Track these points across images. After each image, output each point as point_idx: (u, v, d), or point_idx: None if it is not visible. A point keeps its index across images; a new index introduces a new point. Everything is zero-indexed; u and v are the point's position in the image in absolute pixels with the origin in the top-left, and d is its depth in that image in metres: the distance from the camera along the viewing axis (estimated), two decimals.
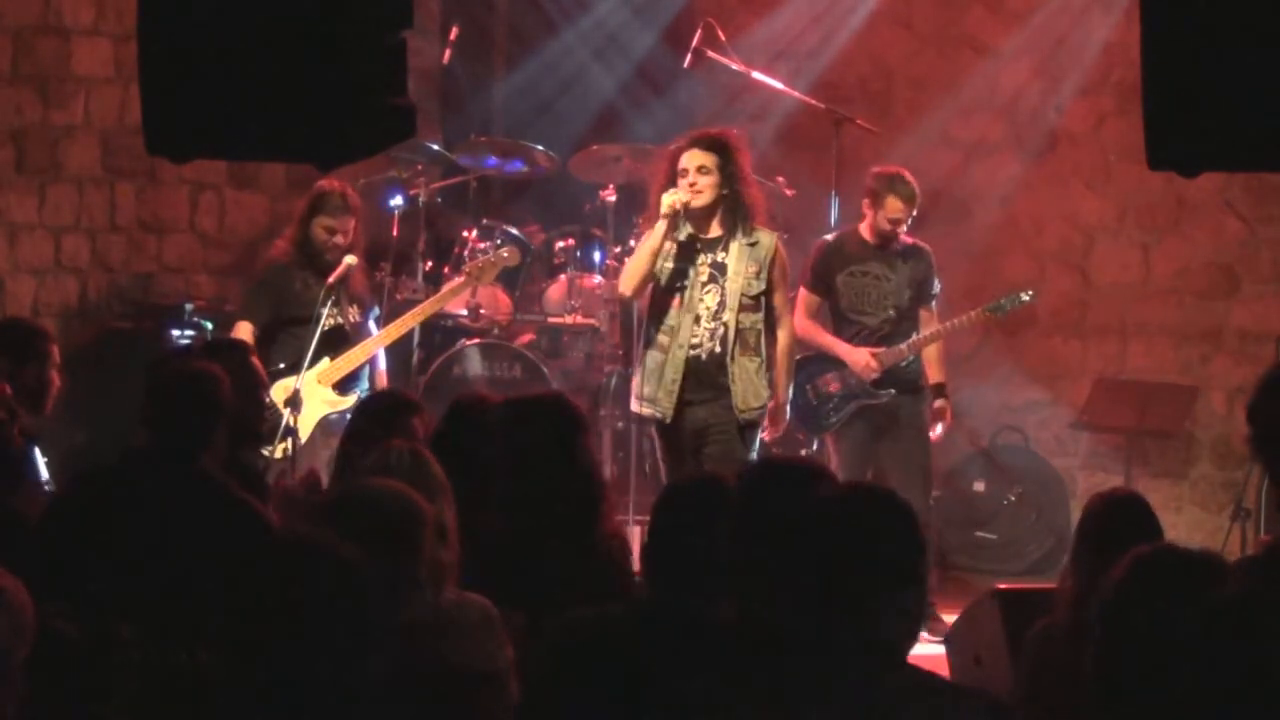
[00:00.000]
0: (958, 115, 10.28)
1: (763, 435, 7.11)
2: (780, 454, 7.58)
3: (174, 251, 9.42)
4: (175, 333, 8.56)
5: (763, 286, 6.98)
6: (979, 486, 9.67)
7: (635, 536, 8.18)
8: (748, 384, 6.95)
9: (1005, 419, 9.92)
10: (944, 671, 6.70)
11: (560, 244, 9.48)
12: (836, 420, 7.88)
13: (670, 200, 6.88)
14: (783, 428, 7.19)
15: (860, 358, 7.82)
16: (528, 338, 9.41)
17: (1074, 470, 10.03)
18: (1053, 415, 10.08)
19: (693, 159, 6.95)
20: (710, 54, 8.94)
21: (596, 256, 9.40)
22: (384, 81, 3.92)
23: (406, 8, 3.94)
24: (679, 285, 6.98)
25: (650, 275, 6.98)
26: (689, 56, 9.06)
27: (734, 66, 8.90)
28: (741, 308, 6.95)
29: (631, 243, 9.16)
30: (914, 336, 7.91)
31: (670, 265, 6.99)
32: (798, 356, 7.81)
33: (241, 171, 9.63)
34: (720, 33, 8.92)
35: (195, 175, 9.31)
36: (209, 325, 8.55)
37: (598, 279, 9.26)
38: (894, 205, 7.78)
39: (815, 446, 8.01)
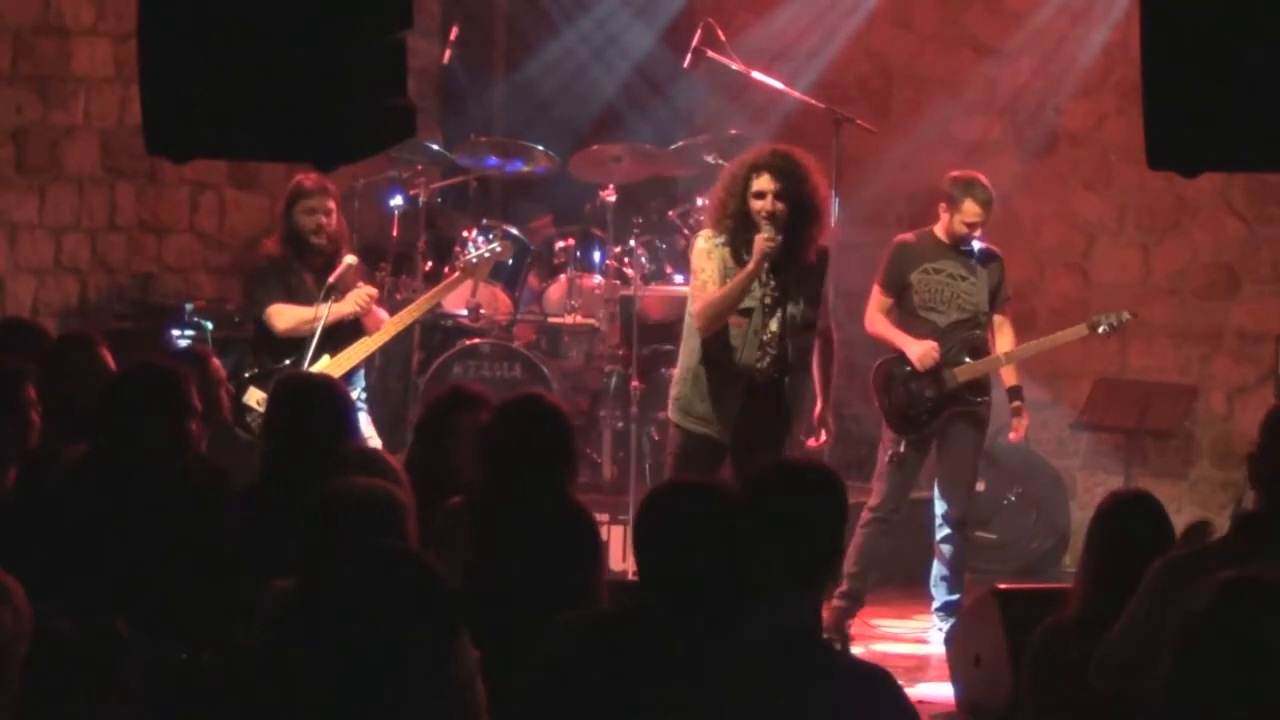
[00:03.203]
0: (958, 115, 10.28)
1: (808, 442, 7.02)
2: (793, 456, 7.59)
3: (174, 251, 9.42)
4: (175, 333, 8.55)
5: (815, 310, 6.87)
6: (979, 486, 9.65)
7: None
8: (803, 407, 6.93)
9: (1005, 419, 9.90)
10: (945, 671, 6.72)
11: (560, 244, 9.49)
12: (930, 421, 7.79)
13: (769, 244, 6.62)
14: (827, 437, 7.08)
15: (920, 348, 7.69)
16: (528, 338, 9.41)
17: (1074, 470, 10.03)
18: (1053, 415, 10.07)
19: (767, 183, 6.70)
20: (710, 54, 8.94)
21: (596, 256, 9.40)
22: (384, 81, 3.92)
23: (406, 8, 3.94)
24: (744, 308, 6.77)
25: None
26: (689, 56, 9.05)
27: (734, 66, 8.90)
28: (798, 332, 6.82)
29: (631, 242, 9.19)
30: (997, 342, 7.89)
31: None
32: (889, 357, 7.81)
33: (241, 171, 9.63)
34: (720, 33, 8.91)
35: (195, 175, 9.31)
36: (209, 325, 8.54)
37: (598, 279, 9.26)
38: (971, 209, 7.76)
39: (902, 448, 7.83)
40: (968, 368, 7.77)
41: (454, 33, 10.04)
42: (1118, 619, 4.20)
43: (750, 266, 6.67)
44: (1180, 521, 9.76)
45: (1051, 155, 10.18)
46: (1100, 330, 8.04)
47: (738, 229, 6.78)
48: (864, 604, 7.85)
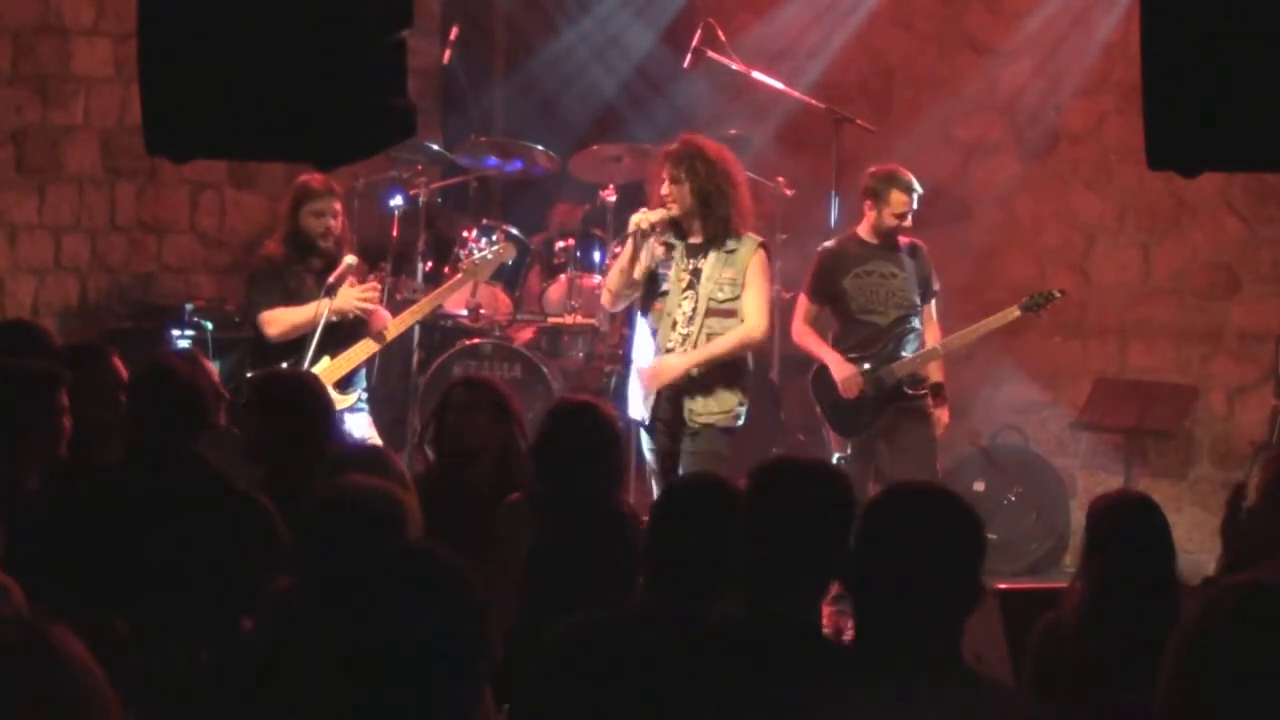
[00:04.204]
0: (958, 115, 10.28)
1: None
2: (789, 454, 7.61)
3: (174, 251, 9.42)
4: (175, 333, 8.56)
5: (736, 293, 7.05)
6: (979, 486, 9.66)
7: None
8: (712, 391, 7.02)
9: (1005, 419, 9.92)
10: None
11: (560, 244, 9.49)
12: (873, 421, 7.81)
13: (636, 220, 7.06)
14: (655, 382, 7.03)
15: (846, 371, 7.74)
16: (528, 338, 9.41)
17: (1074, 470, 10.02)
18: (1053, 415, 10.07)
19: (665, 170, 7.09)
20: (710, 54, 8.94)
21: (596, 256, 9.41)
22: (384, 81, 3.92)
23: (406, 8, 3.94)
24: (662, 291, 7.11)
25: (624, 289, 7.16)
26: (689, 56, 9.06)
27: (734, 66, 8.90)
28: (710, 313, 7.02)
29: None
30: (929, 336, 7.89)
31: (658, 272, 7.12)
32: (823, 363, 7.82)
33: (241, 171, 9.63)
34: (720, 33, 8.92)
35: (195, 175, 9.31)
36: (209, 325, 8.55)
37: (598, 279, 9.25)
38: (898, 199, 7.76)
39: (848, 450, 7.87)
40: (905, 362, 7.79)
41: (454, 33, 10.04)
42: (1116, 618, 4.20)
43: (628, 243, 7.07)
44: (1180, 521, 9.82)
45: (1051, 155, 10.18)
46: (1030, 309, 7.99)
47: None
48: None
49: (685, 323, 7.04)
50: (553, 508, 5.05)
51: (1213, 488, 9.66)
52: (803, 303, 7.94)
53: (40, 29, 8.61)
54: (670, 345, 7.04)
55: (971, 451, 9.75)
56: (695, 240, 7.10)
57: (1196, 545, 9.09)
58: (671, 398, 7.04)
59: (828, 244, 7.99)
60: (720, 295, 7.02)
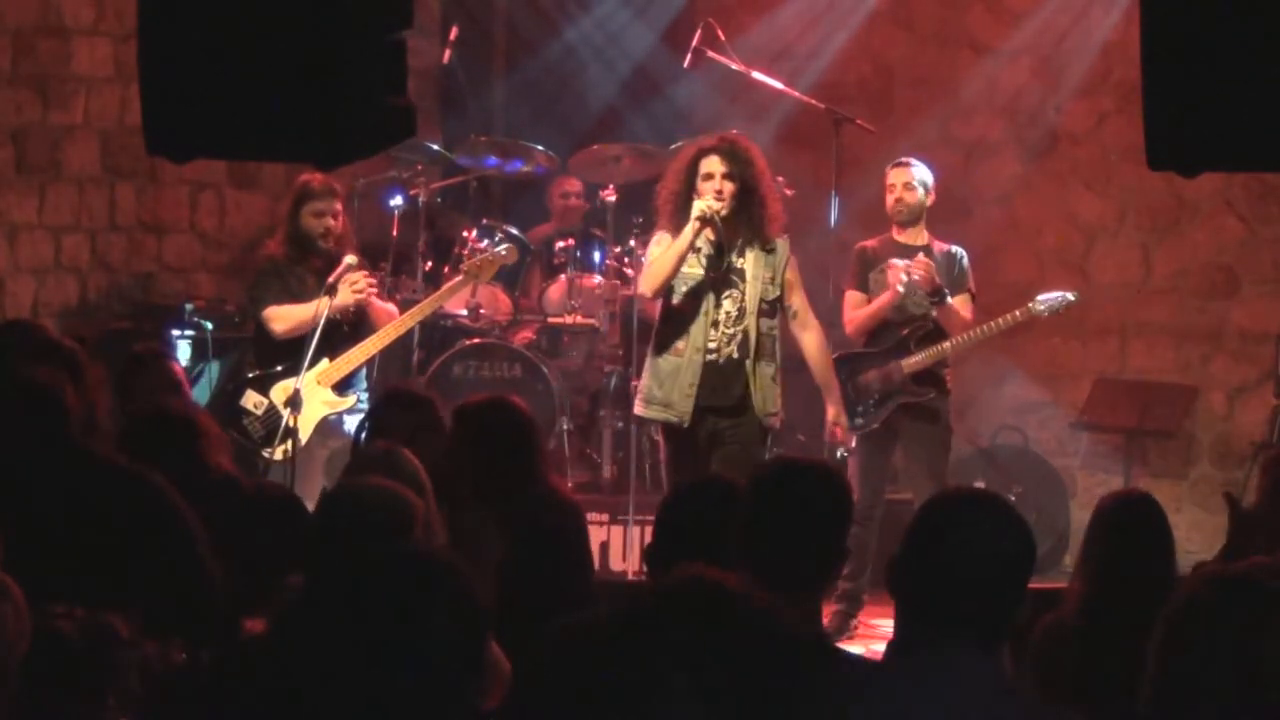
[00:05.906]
0: (958, 115, 10.28)
1: (839, 439, 7.22)
2: (789, 454, 7.62)
3: (174, 251, 9.42)
4: (175, 333, 8.56)
5: (778, 292, 7.01)
6: (979, 486, 9.66)
7: (635, 537, 8.20)
8: (767, 389, 6.98)
9: (1005, 419, 9.92)
10: None
11: (560, 244, 9.48)
12: (877, 416, 7.85)
13: (704, 206, 6.84)
14: (842, 437, 7.24)
15: (903, 264, 7.75)
16: (528, 338, 9.40)
17: (1074, 470, 10.03)
18: (1053, 415, 10.07)
19: (716, 165, 6.92)
20: (710, 54, 8.93)
21: (596, 256, 9.40)
22: (384, 81, 3.93)
23: (406, 8, 3.95)
24: (695, 291, 6.97)
25: (673, 277, 6.94)
26: (689, 56, 9.05)
27: (734, 66, 8.89)
28: (760, 313, 6.96)
29: (631, 243, 9.19)
30: (947, 336, 7.91)
31: (686, 270, 6.96)
32: (840, 353, 7.84)
33: (241, 171, 9.63)
34: (720, 33, 8.91)
35: (195, 175, 9.31)
36: (209, 325, 8.54)
37: (598, 279, 9.25)
38: (888, 177, 7.93)
39: (854, 444, 7.86)
40: (915, 360, 7.81)
41: (454, 33, 10.03)
42: (1116, 618, 4.21)
43: (686, 228, 6.85)
44: (1180, 521, 9.78)
45: (1051, 155, 10.18)
46: (1042, 312, 7.99)
47: (687, 213, 6.94)
48: (864, 605, 7.85)
49: (731, 322, 6.95)
50: (488, 506, 5.08)
51: (1213, 488, 9.66)
52: (850, 296, 7.98)
53: (40, 29, 8.60)
54: (713, 344, 6.94)
55: (971, 452, 9.76)
56: (731, 240, 6.98)
57: (1196, 545, 9.09)
58: (734, 401, 7.02)
59: (865, 241, 8.08)
60: (767, 296, 6.99)
